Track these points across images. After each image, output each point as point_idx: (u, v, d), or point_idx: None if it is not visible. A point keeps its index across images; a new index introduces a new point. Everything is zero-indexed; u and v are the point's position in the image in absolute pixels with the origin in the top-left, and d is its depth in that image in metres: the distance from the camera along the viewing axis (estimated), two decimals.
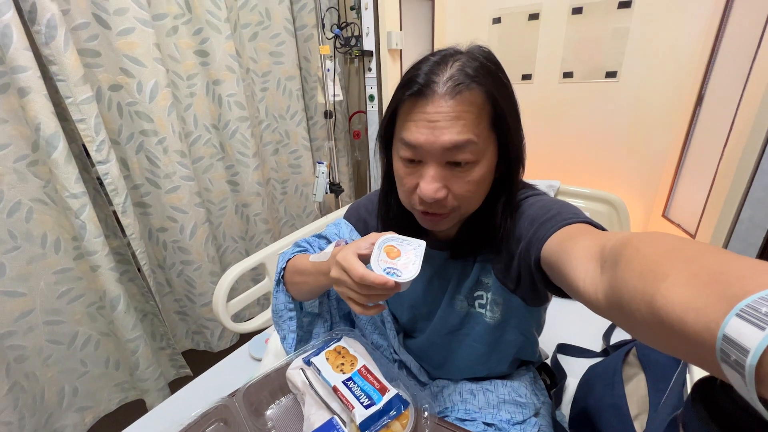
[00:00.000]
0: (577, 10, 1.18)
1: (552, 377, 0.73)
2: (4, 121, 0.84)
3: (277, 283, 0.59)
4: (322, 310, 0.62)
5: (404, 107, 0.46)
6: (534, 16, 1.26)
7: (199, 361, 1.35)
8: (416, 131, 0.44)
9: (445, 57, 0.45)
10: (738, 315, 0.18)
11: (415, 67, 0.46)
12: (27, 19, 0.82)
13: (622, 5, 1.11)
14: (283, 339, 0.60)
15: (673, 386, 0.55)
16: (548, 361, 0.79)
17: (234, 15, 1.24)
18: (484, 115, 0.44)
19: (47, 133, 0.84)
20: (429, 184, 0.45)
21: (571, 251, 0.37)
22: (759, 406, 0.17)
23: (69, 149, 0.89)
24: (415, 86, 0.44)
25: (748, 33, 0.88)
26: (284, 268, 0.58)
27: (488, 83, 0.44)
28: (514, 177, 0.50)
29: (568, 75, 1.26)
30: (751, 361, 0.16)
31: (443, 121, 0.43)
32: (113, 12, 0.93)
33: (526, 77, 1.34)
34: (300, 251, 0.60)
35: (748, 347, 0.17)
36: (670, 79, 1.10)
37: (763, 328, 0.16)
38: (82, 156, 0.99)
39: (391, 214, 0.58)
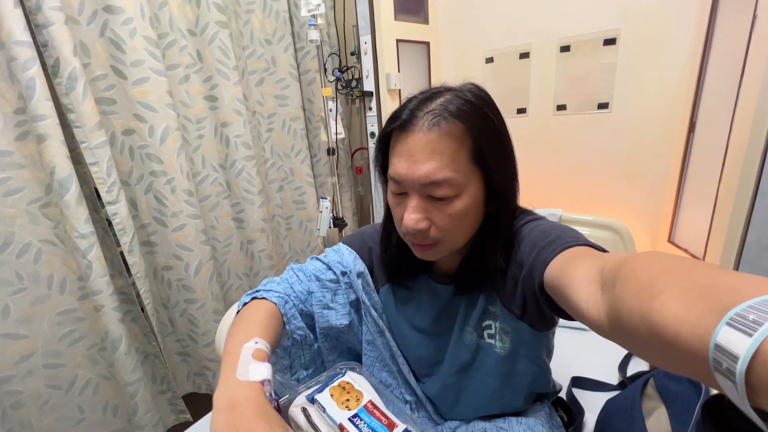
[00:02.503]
0: (564, 48, 1.25)
1: (569, 413, 0.69)
2: (21, 166, 0.87)
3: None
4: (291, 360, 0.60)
5: (391, 141, 0.49)
6: (524, 55, 1.33)
7: (200, 405, 1.30)
8: (398, 164, 0.47)
9: (432, 94, 0.47)
10: (728, 324, 0.18)
11: (404, 104, 0.48)
12: (50, 73, 0.88)
13: (607, 42, 1.17)
14: None
15: (696, 418, 0.52)
16: (563, 395, 0.75)
17: (242, 63, 1.32)
18: (464, 149, 0.45)
19: (61, 176, 0.88)
20: (410, 215, 0.47)
21: (572, 274, 0.37)
22: (751, 414, 0.17)
23: (81, 191, 0.92)
24: (398, 121, 0.46)
25: (731, 60, 0.91)
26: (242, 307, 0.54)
27: (469, 118, 0.45)
28: (501, 214, 0.50)
29: (561, 108, 1.31)
30: (740, 367, 0.17)
31: (421, 153, 0.45)
32: (130, 64, 1.00)
33: (521, 111, 1.39)
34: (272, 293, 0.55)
35: (738, 354, 0.17)
36: (661, 108, 1.14)
37: (750, 335, 0.17)
38: (92, 197, 1.02)
39: (391, 243, 0.58)
